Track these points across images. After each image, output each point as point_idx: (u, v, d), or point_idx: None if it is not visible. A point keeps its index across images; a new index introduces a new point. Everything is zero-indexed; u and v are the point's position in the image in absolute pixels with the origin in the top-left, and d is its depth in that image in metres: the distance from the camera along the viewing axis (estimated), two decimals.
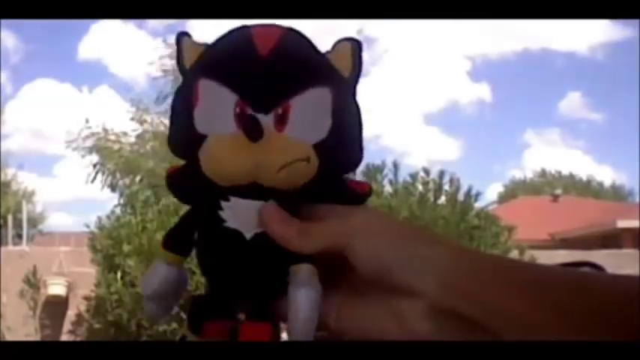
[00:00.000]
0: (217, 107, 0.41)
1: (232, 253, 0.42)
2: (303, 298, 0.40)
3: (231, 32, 0.44)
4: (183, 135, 0.43)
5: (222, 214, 0.42)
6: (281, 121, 0.41)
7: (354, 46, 0.43)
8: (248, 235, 0.42)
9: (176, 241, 0.45)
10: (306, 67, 0.42)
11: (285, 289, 0.42)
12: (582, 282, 0.38)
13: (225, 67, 0.42)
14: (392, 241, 0.39)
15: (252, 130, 0.40)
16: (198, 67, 0.43)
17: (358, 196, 0.45)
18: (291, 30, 0.43)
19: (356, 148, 0.44)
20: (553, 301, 0.36)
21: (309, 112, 0.41)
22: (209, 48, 0.44)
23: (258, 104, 0.41)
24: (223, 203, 0.42)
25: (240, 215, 0.42)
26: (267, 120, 0.40)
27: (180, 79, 0.45)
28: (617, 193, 26.48)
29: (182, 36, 0.44)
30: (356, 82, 0.44)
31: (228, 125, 0.41)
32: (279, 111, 0.41)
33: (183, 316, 0.45)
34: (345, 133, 0.43)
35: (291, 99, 0.41)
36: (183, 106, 0.43)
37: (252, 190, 0.41)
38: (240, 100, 0.41)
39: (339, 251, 0.40)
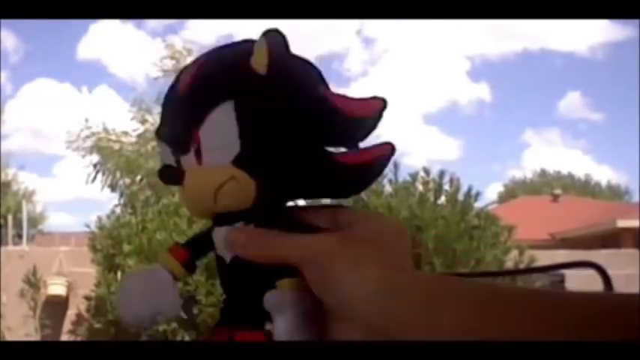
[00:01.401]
0: (166, 161, 0.44)
1: (220, 277, 0.45)
2: (278, 324, 0.41)
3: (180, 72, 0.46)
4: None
5: (214, 239, 0.45)
6: (198, 155, 0.42)
7: (269, 40, 0.40)
8: (227, 259, 0.44)
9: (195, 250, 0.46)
10: (208, 90, 0.42)
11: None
12: (542, 299, 0.37)
13: (161, 122, 0.45)
14: (336, 268, 0.39)
15: (166, 181, 0.43)
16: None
17: (344, 168, 0.42)
18: (211, 55, 0.44)
19: (310, 148, 0.41)
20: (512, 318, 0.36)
21: (215, 135, 0.41)
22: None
23: (178, 149, 0.43)
24: (213, 231, 0.45)
25: (219, 242, 0.44)
26: (188, 159, 0.42)
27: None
28: (614, 193, 26.49)
29: None
30: (280, 76, 0.41)
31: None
32: (195, 146, 0.42)
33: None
34: (267, 136, 0.41)
35: (198, 130, 0.42)
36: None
37: (225, 217, 0.43)
38: (172, 152, 0.43)
39: (296, 266, 0.40)
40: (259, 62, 0.40)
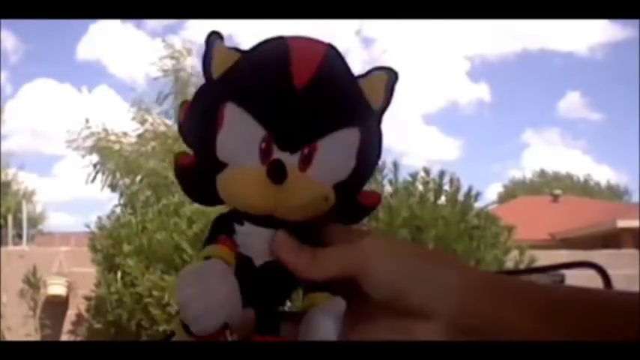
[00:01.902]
0: (243, 138, 0.40)
1: (240, 279, 0.41)
2: (334, 334, 0.40)
3: (267, 43, 0.42)
4: (202, 157, 0.42)
5: (235, 237, 0.42)
6: (305, 162, 0.40)
7: (390, 77, 0.43)
8: (258, 262, 0.42)
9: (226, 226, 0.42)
10: (339, 106, 0.41)
11: (289, 313, 0.43)
12: (591, 298, 0.38)
13: (256, 97, 0.40)
14: (404, 265, 0.39)
15: (275, 175, 0.39)
16: (227, 83, 0.41)
17: (367, 209, 0.45)
18: (331, 49, 0.42)
19: (370, 175, 0.44)
20: (563, 318, 0.37)
21: (334, 154, 0.40)
22: (242, 61, 0.42)
23: (285, 143, 0.40)
24: (238, 227, 0.42)
25: (252, 242, 0.42)
26: (292, 159, 0.40)
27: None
28: (614, 193, 26.48)
29: (215, 39, 0.42)
30: (383, 111, 0.43)
31: (252, 159, 0.40)
32: (305, 151, 0.40)
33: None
34: (365, 171, 0.42)
35: (318, 140, 0.40)
36: (205, 125, 0.41)
37: (266, 219, 0.41)
38: (268, 135, 0.40)
39: (351, 277, 0.39)
40: (377, 98, 0.42)
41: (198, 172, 0.42)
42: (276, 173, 0.39)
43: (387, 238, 0.45)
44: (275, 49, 0.41)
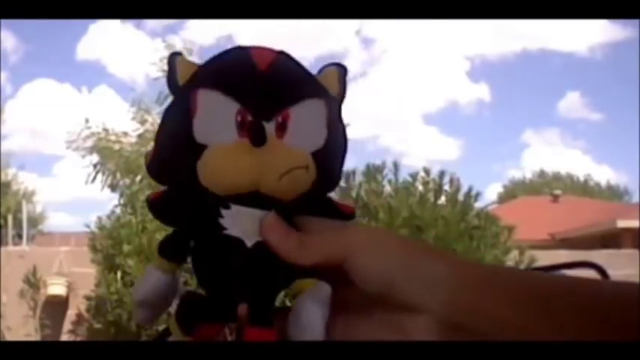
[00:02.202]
0: (218, 116, 0.41)
1: (233, 260, 0.42)
2: (320, 318, 0.40)
3: (226, 52, 0.45)
4: (179, 149, 0.42)
5: (223, 221, 0.42)
6: (281, 129, 0.42)
7: (341, 72, 0.46)
8: (249, 243, 0.42)
9: (172, 249, 0.45)
10: (301, 81, 0.44)
11: (282, 308, 0.43)
12: (586, 290, 0.38)
13: (225, 78, 0.42)
14: (394, 256, 0.39)
15: (256, 135, 0.40)
16: (194, 80, 0.43)
17: (345, 217, 0.46)
18: (283, 53, 0.45)
19: (340, 167, 0.46)
20: (559, 311, 0.36)
21: (307, 121, 0.43)
22: (206, 65, 0.44)
23: (259, 112, 0.41)
24: (224, 211, 0.42)
25: (241, 223, 0.42)
26: (268, 127, 0.41)
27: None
28: (614, 193, 26.50)
29: (175, 57, 0.45)
30: (341, 103, 0.46)
31: (230, 134, 0.41)
32: (279, 119, 0.42)
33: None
34: (336, 147, 0.45)
35: (290, 108, 0.42)
36: (178, 118, 0.43)
37: (251, 199, 0.41)
38: (242, 108, 0.41)
39: (339, 264, 0.39)
40: (333, 89, 0.45)
41: (169, 196, 0.45)
42: (256, 133, 0.41)
43: (375, 228, 0.45)
44: (233, 50, 0.45)
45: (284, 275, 0.43)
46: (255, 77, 0.42)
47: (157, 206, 0.45)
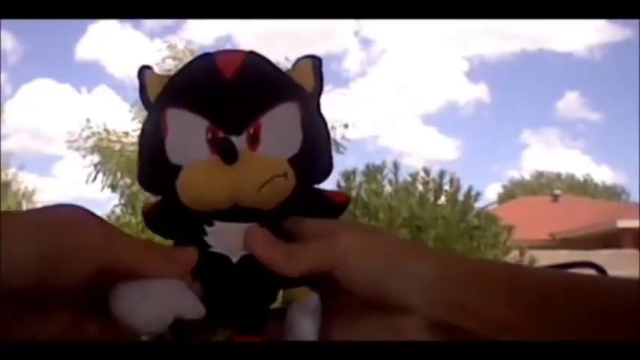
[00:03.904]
0: (189, 135, 0.41)
1: (220, 277, 0.42)
2: (310, 330, 0.40)
3: (193, 61, 0.44)
4: (157, 169, 0.42)
5: (207, 239, 0.42)
6: (253, 141, 0.41)
7: (315, 63, 0.44)
8: (234, 258, 0.42)
9: None
10: (271, 85, 0.43)
11: (272, 311, 0.42)
12: (581, 286, 0.37)
13: (191, 94, 0.42)
14: (382, 259, 0.39)
15: (227, 153, 0.39)
16: (163, 97, 0.43)
17: (336, 206, 0.45)
18: (252, 53, 0.44)
19: (327, 159, 0.45)
20: (550, 307, 0.36)
21: (280, 128, 0.41)
22: (172, 78, 0.44)
23: (229, 127, 0.41)
24: (208, 229, 0.42)
25: (225, 239, 0.42)
26: (240, 141, 0.40)
27: None
28: (613, 193, 26.52)
29: (143, 70, 0.44)
30: (319, 96, 0.45)
31: (202, 152, 0.40)
32: (251, 131, 0.41)
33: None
34: (316, 146, 0.43)
35: (260, 117, 0.41)
36: (152, 139, 0.42)
37: (234, 213, 0.41)
38: (211, 125, 0.41)
39: (328, 272, 0.39)
40: (308, 82, 0.44)
41: (161, 209, 0.45)
42: (226, 151, 0.39)
43: (363, 229, 0.44)
44: (199, 59, 0.44)
45: (273, 286, 0.43)
46: (221, 88, 0.41)
47: (149, 218, 0.46)
